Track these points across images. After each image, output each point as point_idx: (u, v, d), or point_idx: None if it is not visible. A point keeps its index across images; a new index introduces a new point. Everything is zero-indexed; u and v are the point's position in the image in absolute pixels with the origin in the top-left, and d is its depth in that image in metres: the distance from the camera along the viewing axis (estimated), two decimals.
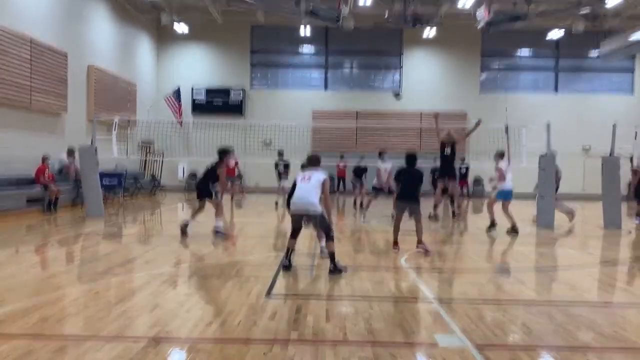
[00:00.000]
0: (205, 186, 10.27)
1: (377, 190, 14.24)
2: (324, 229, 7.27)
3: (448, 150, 13.19)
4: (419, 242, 8.74)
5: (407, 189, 8.85)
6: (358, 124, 24.82)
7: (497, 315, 5.38)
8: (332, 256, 7.07)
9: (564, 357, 4.26)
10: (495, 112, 22.17)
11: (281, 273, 7.13)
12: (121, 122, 16.09)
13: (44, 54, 15.49)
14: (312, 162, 7.56)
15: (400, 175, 9.03)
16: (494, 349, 4.38)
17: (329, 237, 7.19)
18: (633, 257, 9.66)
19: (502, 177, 11.49)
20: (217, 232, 10.10)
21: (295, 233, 7.37)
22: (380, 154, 14.26)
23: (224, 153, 10.31)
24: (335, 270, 6.98)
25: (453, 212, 14.36)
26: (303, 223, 7.33)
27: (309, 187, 7.13)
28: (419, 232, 8.74)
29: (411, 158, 9.06)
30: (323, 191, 7.17)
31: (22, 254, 8.56)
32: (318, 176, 7.21)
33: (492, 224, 11.66)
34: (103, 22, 20.12)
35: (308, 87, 26.97)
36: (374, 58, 27.04)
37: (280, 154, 17.69)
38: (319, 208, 7.12)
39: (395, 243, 8.88)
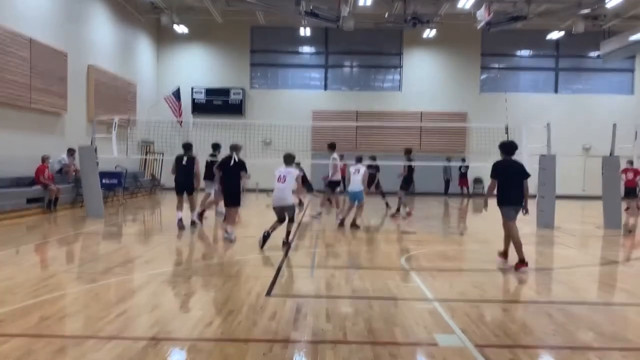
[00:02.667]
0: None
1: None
2: (292, 214, 9.20)
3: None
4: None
5: (512, 187, 7.75)
6: (358, 124, 24.83)
7: (497, 315, 5.38)
8: (288, 234, 9.18)
9: (564, 357, 4.26)
10: (495, 112, 22.23)
11: (281, 272, 7.15)
12: (121, 121, 16.09)
13: (43, 54, 15.48)
14: (288, 160, 9.28)
15: (499, 170, 7.86)
16: (494, 349, 4.38)
17: (291, 220, 9.19)
18: (633, 257, 9.67)
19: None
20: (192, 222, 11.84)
21: (281, 220, 9.16)
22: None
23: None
24: (287, 243, 9.10)
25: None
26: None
27: (285, 187, 9.00)
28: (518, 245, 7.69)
29: (511, 146, 7.99)
30: (297, 184, 9.21)
31: (22, 254, 8.56)
32: (291, 176, 9.03)
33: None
34: (103, 22, 20.11)
35: (308, 87, 26.95)
36: (373, 58, 27.02)
37: (216, 148, 13.88)
38: (291, 201, 9.17)
39: (505, 253, 8.11)
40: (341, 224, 12.05)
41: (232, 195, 9.98)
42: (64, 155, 16.06)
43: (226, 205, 10.15)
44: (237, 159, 9.88)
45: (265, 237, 8.84)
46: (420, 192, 24.12)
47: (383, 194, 17.21)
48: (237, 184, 9.97)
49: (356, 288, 6.35)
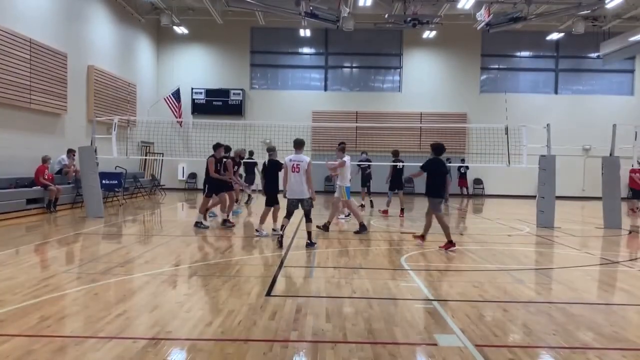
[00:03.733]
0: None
1: None
2: (308, 208, 9.32)
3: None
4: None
5: (441, 183, 9.57)
6: (358, 125, 24.84)
7: (496, 315, 5.38)
8: (309, 234, 9.26)
9: (563, 357, 4.26)
10: (495, 113, 22.24)
11: (281, 272, 7.16)
12: (121, 122, 16.10)
13: (43, 55, 15.49)
14: (298, 145, 9.40)
15: (432, 166, 9.36)
16: (494, 348, 4.38)
17: (309, 219, 9.30)
18: (633, 257, 9.67)
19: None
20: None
21: (289, 215, 9.31)
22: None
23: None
24: (311, 244, 9.14)
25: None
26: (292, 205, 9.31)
27: (300, 176, 9.15)
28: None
29: (441, 147, 9.44)
30: (308, 173, 9.16)
31: (22, 254, 8.56)
32: (303, 164, 9.15)
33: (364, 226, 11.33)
34: (103, 23, 20.12)
35: (308, 87, 26.97)
36: (373, 59, 27.03)
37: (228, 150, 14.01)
38: (307, 193, 9.21)
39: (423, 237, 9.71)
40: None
41: (269, 197, 10.55)
42: (64, 156, 16.06)
43: (267, 205, 10.69)
44: (270, 161, 10.53)
45: (280, 240, 9.25)
46: (420, 193, 24.13)
47: (369, 192, 17.41)
48: (272, 185, 10.46)
49: (356, 288, 6.35)
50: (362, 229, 11.22)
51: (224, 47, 26.33)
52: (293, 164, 9.12)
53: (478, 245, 10.39)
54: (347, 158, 11.89)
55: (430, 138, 25.23)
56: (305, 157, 9.21)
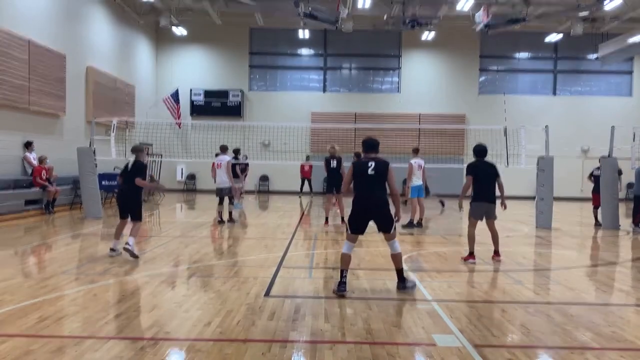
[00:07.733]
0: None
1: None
2: (230, 195, 12.66)
3: (334, 163, 12.61)
4: None
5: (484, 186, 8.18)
6: (357, 126, 24.83)
7: (495, 315, 5.39)
8: (231, 214, 12.72)
9: (562, 357, 4.27)
10: (494, 114, 22.26)
11: (280, 273, 7.16)
12: (120, 123, 16.09)
13: (42, 55, 15.47)
14: (223, 149, 12.77)
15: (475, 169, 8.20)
16: (492, 349, 4.39)
17: (231, 202, 12.86)
18: (631, 257, 9.68)
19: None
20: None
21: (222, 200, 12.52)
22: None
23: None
24: (223, 221, 12.40)
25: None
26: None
27: (222, 171, 12.32)
28: None
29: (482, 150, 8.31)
30: (227, 168, 12.41)
31: (21, 255, 8.55)
32: (224, 162, 12.44)
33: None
34: (102, 24, 20.11)
35: (307, 89, 26.96)
36: (372, 60, 27.03)
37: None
38: (229, 183, 12.24)
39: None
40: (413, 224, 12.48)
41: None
42: (27, 153, 14.77)
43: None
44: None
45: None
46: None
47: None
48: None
49: (355, 288, 6.35)
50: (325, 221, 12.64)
51: (222, 48, 26.32)
52: (218, 163, 12.25)
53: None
54: (413, 161, 12.60)
55: (429, 139, 25.28)
56: (226, 157, 12.37)
